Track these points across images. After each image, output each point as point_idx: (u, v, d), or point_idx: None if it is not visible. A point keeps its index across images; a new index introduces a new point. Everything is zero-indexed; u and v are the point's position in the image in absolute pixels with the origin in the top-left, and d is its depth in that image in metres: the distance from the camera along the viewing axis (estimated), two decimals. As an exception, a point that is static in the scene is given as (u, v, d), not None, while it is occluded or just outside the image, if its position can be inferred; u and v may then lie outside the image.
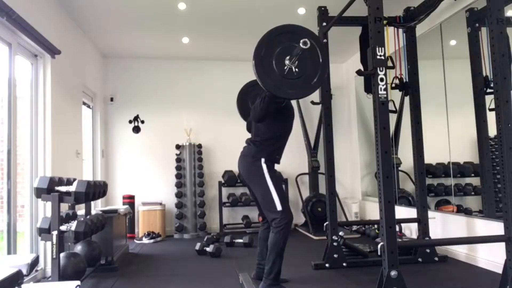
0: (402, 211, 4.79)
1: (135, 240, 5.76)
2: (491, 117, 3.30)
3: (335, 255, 3.79)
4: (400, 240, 3.77)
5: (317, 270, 3.75)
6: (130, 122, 6.39)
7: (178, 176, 6.23)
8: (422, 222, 3.99)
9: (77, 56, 4.98)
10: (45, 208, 3.79)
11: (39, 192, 3.19)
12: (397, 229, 4.44)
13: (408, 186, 5.23)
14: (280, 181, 3.22)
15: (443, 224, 4.26)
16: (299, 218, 6.50)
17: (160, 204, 6.11)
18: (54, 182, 3.27)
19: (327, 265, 3.77)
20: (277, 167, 3.31)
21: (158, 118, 6.47)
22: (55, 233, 3.08)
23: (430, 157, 4.25)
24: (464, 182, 4.41)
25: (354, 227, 5.74)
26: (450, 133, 4.29)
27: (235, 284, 3.37)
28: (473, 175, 4.28)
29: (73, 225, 3.26)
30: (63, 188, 3.30)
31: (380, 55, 2.77)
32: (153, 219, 5.94)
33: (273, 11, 4.75)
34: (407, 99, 4.22)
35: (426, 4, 3.78)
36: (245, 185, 3.40)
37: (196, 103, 6.59)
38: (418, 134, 4.05)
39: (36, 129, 3.92)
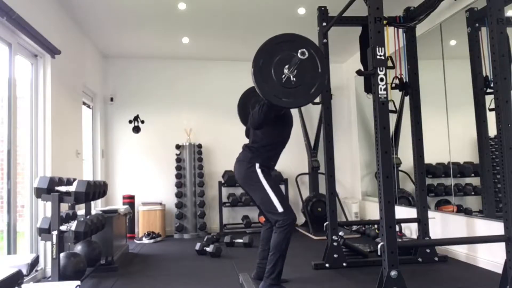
0: (402, 211, 4.79)
1: (135, 240, 5.76)
2: (491, 117, 3.31)
3: (335, 255, 3.79)
4: (400, 240, 3.76)
5: (317, 270, 3.75)
6: (130, 122, 6.39)
7: (178, 176, 6.23)
8: (422, 222, 3.99)
9: (77, 56, 4.98)
10: (45, 208, 3.79)
11: (39, 192, 3.20)
12: (397, 229, 4.44)
13: (408, 186, 5.23)
14: (277, 182, 3.22)
15: (443, 224, 4.26)
16: (299, 218, 6.48)
17: (160, 204, 6.11)
18: (54, 182, 3.27)
19: (327, 265, 3.77)
20: (277, 167, 3.31)
21: (158, 118, 6.47)
22: (55, 233, 3.08)
23: (430, 157, 4.25)
24: (464, 182, 4.41)
25: (354, 227, 5.73)
26: (450, 133, 4.29)
27: (235, 284, 3.37)
28: (473, 175, 4.29)
29: (73, 225, 3.26)
30: (63, 188, 3.30)
31: (380, 55, 2.77)
32: (153, 219, 5.94)
33: (273, 11, 4.76)
34: (407, 99, 4.22)
35: (426, 4, 3.78)
36: (243, 189, 3.40)
37: (196, 103, 6.59)
38: (418, 134, 4.05)
39: (36, 129, 3.92)
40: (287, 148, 3.36)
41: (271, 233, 3.16)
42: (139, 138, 6.41)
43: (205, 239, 5.11)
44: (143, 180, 6.34)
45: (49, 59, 4.00)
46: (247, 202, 6.08)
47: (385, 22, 3.79)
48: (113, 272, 3.93)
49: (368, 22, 2.86)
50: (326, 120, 3.97)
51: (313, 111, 6.64)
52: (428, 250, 3.93)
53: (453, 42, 4.47)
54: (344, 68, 6.94)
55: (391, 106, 3.34)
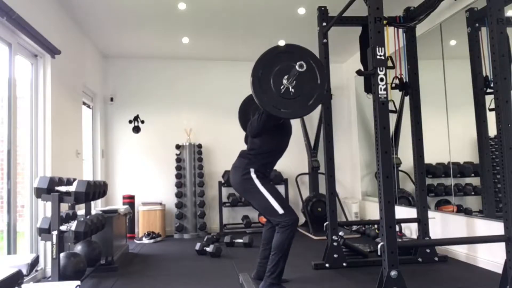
0: (402, 211, 4.79)
1: (135, 240, 5.76)
2: (491, 117, 3.31)
3: (335, 255, 3.79)
4: (400, 240, 3.76)
5: (317, 270, 3.75)
6: (130, 122, 6.39)
7: (178, 176, 6.23)
8: (422, 222, 3.99)
9: (77, 56, 4.98)
10: (45, 208, 3.79)
11: (39, 192, 3.20)
12: (397, 229, 4.44)
13: (408, 186, 5.23)
14: (274, 185, 3.21)
15: (443, 224, 4.26)
16: (299, 218, 6.50)
17: (160, 204, 6.11)
18: (54, 182, 3.27)
19: (327, 265, 3.77)
20: (277, 167, 3.31)
21: (158, 118, 6.47)
22: (55, 233, 3.08)
23: (430, 157, 4.25)
24: (464, 182, 4.41)
25: (354, 227, 5.73)
26: (450, 133, 4.29)
27: (235, 284, 3.37)
28: (473, 175, 4.29)
29: (73, 225, 3.26)
30: (63, 188, 3.30)
31: (380, 55, 2.77)
32: (153, 219, 5.94)
33: (273, 11, 4.76)
34: (407, 99, 4.22)
35: (426, 4, 3.78)
36: (240, 195, 3.39)
37: (196, 103, 6.59)
38: (418, 134, 4.05)
39: (36, 129, 3.92)
40: (287, 148, 3.35)
41: (273, 232, 3.16)
42: (139, 138, 6.40)
43: (205, 239, 5.11)
44: (143, 180, 6.34)
45: (49, 59, 4.00)
46: (247, 202, 6.06)
47: (385, 22, 3.79)
48: (113, 272, 3.93)
49: (368, 22, 2.86)
50: (326, 120, 3.97)
51: (313, 111, 6.63)
52: (428, 250, 3.93)
53: (453, 42, 4.47)
54: (344, 68, 6.94)
55: (391, 106, 3.34)
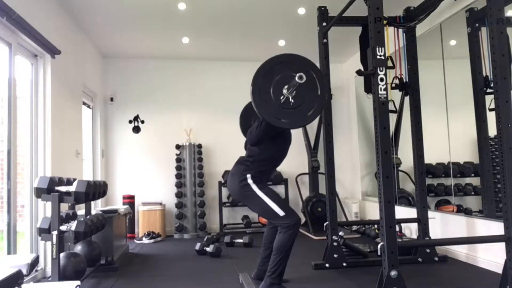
0: (402, 211, 4.79)
1: (135, 240, 5.76)
2: (491, 117, 3.30)
3: (335, 255, 3.79)
4: (400, 240, 3.77)
5: (317, 270, 3.75)
6: (130, 122, 6.39)
7: (178, 176, 6.23)
8: (422, 222, 3.99)
9: (77, 56, 4.98)
10: (45, 208, 3.79)
11: (39, 192, 3.19)
12: (397, 229, 4.44)
13: (408, 186, 5.23)
14: (271, 188, 3.20)
15: (443, 224, 4.25)
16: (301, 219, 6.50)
17: (160, 204, 6.11)
18: (54, 182, 3.27)
19: (327, 265, 3.77)
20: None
21: (158, 118, 6.47)
22: (55, 233, 3.08)
23: (430, 157, 4.25)
24: (464, 182, 4.41)
25: (354, 227, 5.74)
26: (450, 133, 4.29)
27: (235, 284, 3.37)
28: (473, 175, 4.28)
29: (73, 225, 3.26)
30: (63, 188, 3.30)
31: (380, 55, 2.77)
32: (153, 219, 5.94)
33: (273, 11, 4.76)
34: (407, 99, 4.22)
35: (426, 4, 3.78)
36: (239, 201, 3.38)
37: (196, 103, 6.59)
38: (418, 134, 4.05)
39: (36, 129, 3.92)
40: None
41: (275, 233, 3.16)
42: (139, 138, 6.41)
43: (205, 239, 5.11)
44: (143, 180, 6.34)
45: (49, 59, 4.00)
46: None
47: (385, 22, 3.79)
48: (113, 272, 3.93)
49: (368, 22, 2.86)
50: (326, 120, 3.97)
51: (313, 111, 6.63)
52: (428, 250, 3.93)
53: (453, 42, 4.47)
54: (344, 68, 6.94)
55: (391, 106, 3.34)
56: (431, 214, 4.13)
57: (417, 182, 4.03)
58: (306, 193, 6.44)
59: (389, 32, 3.95)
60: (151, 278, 3.72)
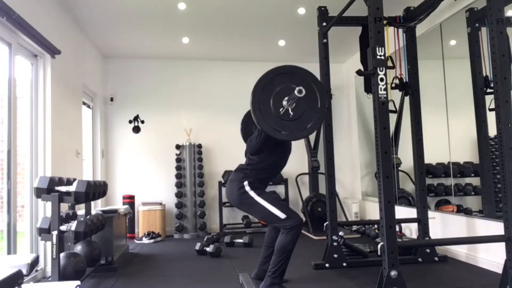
0: (402, 211, 4.79)
1: (135, 240, 5.76)
2: (491, 117, 3.31)
3: (335, 255, 3.79)
4: (400, 240, 3.77)
5: (317, 270, 3.75)
6: (130, 122, 6.39)
7: (178, 176, 6.23)
8: (422, 222, 3.99)
9: (77, 56, 4.98)
10: (45, 208, 3.79)
11: (39, 192, 3.19)
12: (397, 229, 4.44)
13: (408, 186, 5.23)
14: (270, 192, 3.20)
15: (443, 224, 4.25)
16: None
17: (160, 204, 6.11)
18: (54, 182, 3.27)
19: (327, 265, 3.77)
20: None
21: (158, 118, 6.47)
22: (55, 233, 3.08)
23: (430, 157, 4.25)
24: (464, 182, 4.41)
25: (354, 227, 5.74)
26: (450, 133, 4.29)
27: (235, 284, 3.37)
28: (473, 175, 4.28)
29: (73, 225, 3.26)
30: (63, 188, 3.30)
31: (380, 55, 2.77)
32: (153, 219, 5.94)
33: (273, 11, 4.76)
34: (407, 99, 4.22)
35: (426, 4, 3.78)
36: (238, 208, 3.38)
37: (196, 103, 6.59)
38: (418, 134, 4.05)
39: (36, 129, 3.92)
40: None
41: (277, 233, 3.16)
42: (139, 138, 6.41)
43: (205, 239, 5.11)
44: (143, 180, 6.34)
45: (49, 59, 4.00)
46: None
47: (385, 22, 3.79)
48: (113, 272, 3.93)
49: (368, 22, 2.86)
50: (326, 120, 3.97)
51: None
52: (428, 250, 3.93)
53: (453, 42, 4.47)
54: (344, 68, 6.94)
55: (391, 106, 3.34)
56: (431, 214, 4.13)
57: (417, 182, 4.03)
58: (306, 193, 6.44)
59: (389, 32, 3.95)
60: (151, 278, 3.72)
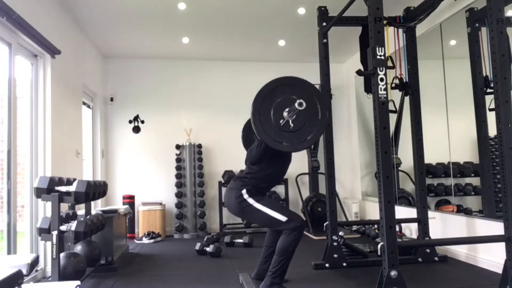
0: (402, 211, 4.79)
1: (135, 240, 5.76)
2: (491, 117, 3.30)
3: (335, 255, 3.79)
4: (400, 240, 3.77)
5: (317, 270, 3.75)
6: (130, 122, 6.39)
7: (178, 176, 6.23)
8: (422, 222, 3.99)
9: (77, 56, 4.98)
10: (45, 208, 3.79)
11: (39, 192, 3.19)
12: (397, 229, 4.44)
13: (408, 186, 5.23)
14: (268, 196, 3.20)
15: (443, 224, 4.25)
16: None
17: (160, 204, 6.11)
18: (54, 182, 3.27)
19: (327, 265, 3.77)
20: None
21: (158, 118, 6.47)
22: (55, 233, 3.08)
23: (430, 157, 4.25)
24: (464, 182, 4.41)
25: (354, 227, 5.73)
26: (450, 133, 4.29)
27: (235, 284, 3.37)
28: (473, 175, 4.28)
29: (73, 225, 3.26)
30: (63, 188, 3.30)
31: (380, 55, 2.77)
32: (153, 219, 5.94)
33: (273, 11, 4.76)
34: (407, 99, 4.22)
35: (426, 4, 3.78)
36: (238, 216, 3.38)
37: (196, 103, 6.59)
38: (418, 134, 4.05)
39: (36, 129, 3.92)
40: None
41: (277, 234, 3.16)
42: (139, 138, 6.41)
43: (205, 239, 5.11)
44: (143, 180, 6.34)
45: (49, 59, 4.00)
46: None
47: (385, 22, 3.79)
48: (113, 272, 3.93)
49: (368, 22, 2.86)
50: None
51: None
52: (428, 250, 3.93)
53: (453, 42, 4.47)
54: (344, 68, 6.94)
55: (391, 106, 3.34)
56: (431, 214, 4.13)
57: (417, 182, 4.03)
58: (306, 193, 6.44)
59: (389, 32, 3.95)
60: (151, 278, 3.72)
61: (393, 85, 4.09)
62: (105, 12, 4.66)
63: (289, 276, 3.43)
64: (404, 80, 4.12)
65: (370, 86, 2.90)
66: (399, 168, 5.39)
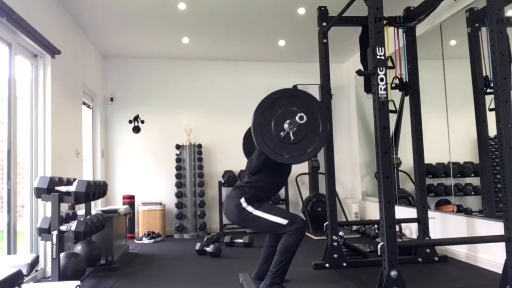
0: (402, 211, 4.78)
1: (135, 240, 5.76)
2: (491, 117, 3.31)
3: (335, 255, 3.79)
4: (400, 240, 3.77)
5: (317, 270, 3.75)
6: (130, 122, 6.39)
7: (178, 176, 6.23)
8: (422, 222, 3.99)
9: (77, 56, 4.98)
10: (45, 208, 3.79)
11: (39, 192, 3.19)
12: (397, 229, 4.44)
13: (408, 186, 5.23)
14: (267, 202, 3.19)
15: (443, 224, 4.25)
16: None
17: (160, 204, 6.11)
18: (54, 182, 3.27)
19: (327, 265, 3.77)
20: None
21: (158, 118, 6.47)
22: (55, 233, 3.08)
23: (430, 157, 4.25)
24: (464, 182, 4.41)
25: (354, 227, 5.73)
26: (450, 133, 4.29)
27: (235, 284, 3.37)
28: (473, 175, 4.29)
29: (73, 225, 3.26)
30: (63, 188, 3.30)
31: (380, 55, 2.77)
32: (153, 219, 5.94)
33: (273, 11, 4.76)
34: (407, 99, 4.22)
35: (426, 4, 3.78)
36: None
37: (196, 103, 6.59)
38: (418, 134, 4.05)
39: (36, 129, 3.92)
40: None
41: (279, 234, 3.15)
42: (139, 138, 6.40)
43: (205, 239, 5.11)
44: (143, 180, 6.34)
45: (49, 59, 4.00)
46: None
47: (385, 22, 3.79)
48: (113, 272, 3.93)
49: (368, 22, 2.86)
50: (326, 120, 3.96)
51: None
52: (428, 250, 3.93)
53: (453, 42, 4.47)
54: (344, 68, 6.94)
55: (391, 106, 3.34)
56: (431, 214, 4.13)
57: (417, 182, 4.03)
58: (306, 193, 6.43)
59: (389, 32, 3.95)
60: (151, 278, 3.72)
61: (393, 85, 4.09)
62: (105, 12, 4.66)
63: (289, 276, 3.42)
64: (404, 80, 4.12)
65: (370, 86, 2.90)
66: (399, 168, 5.40)
